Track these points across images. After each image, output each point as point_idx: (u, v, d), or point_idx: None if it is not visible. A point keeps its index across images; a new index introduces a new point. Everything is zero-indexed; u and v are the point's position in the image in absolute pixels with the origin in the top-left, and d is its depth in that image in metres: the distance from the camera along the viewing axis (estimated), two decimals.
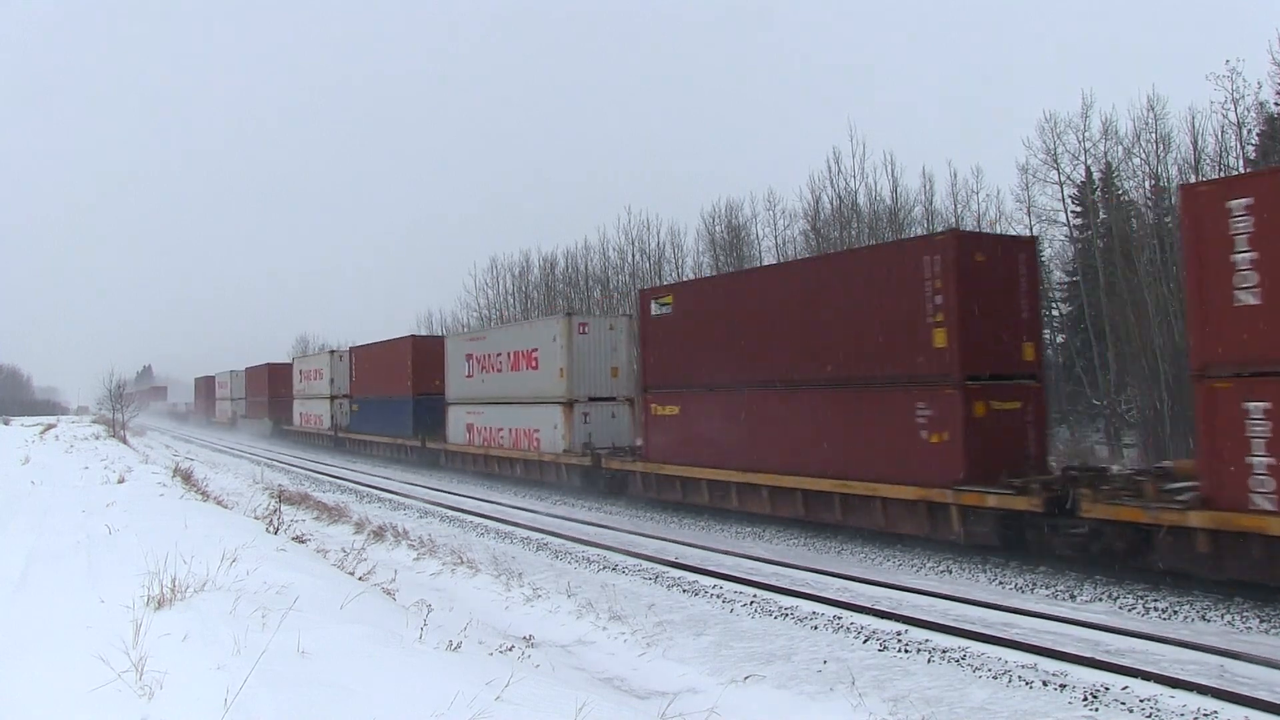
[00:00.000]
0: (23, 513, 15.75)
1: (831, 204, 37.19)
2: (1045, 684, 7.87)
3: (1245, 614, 9.94)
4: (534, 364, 24.85)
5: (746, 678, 8.21)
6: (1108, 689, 7.64)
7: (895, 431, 13.95)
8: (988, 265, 13.61)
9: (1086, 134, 30.63)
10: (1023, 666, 8.30)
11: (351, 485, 27.67)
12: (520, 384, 25.59)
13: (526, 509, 21.08)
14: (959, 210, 34.80)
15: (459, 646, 7.19)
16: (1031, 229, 31.49)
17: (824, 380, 15.34)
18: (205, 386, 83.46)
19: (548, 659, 8.28)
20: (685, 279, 42.15)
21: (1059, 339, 33.55)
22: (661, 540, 16.07)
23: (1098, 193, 31.57)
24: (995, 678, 8.11)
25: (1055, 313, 33.04)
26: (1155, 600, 10.67)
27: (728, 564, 13.74)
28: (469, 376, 28.80)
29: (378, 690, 5.60)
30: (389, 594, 10.30)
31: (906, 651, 9.02)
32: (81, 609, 7.43)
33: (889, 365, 14.13)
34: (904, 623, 9.96)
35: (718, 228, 42.53)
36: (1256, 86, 26.41)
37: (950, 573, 12.84)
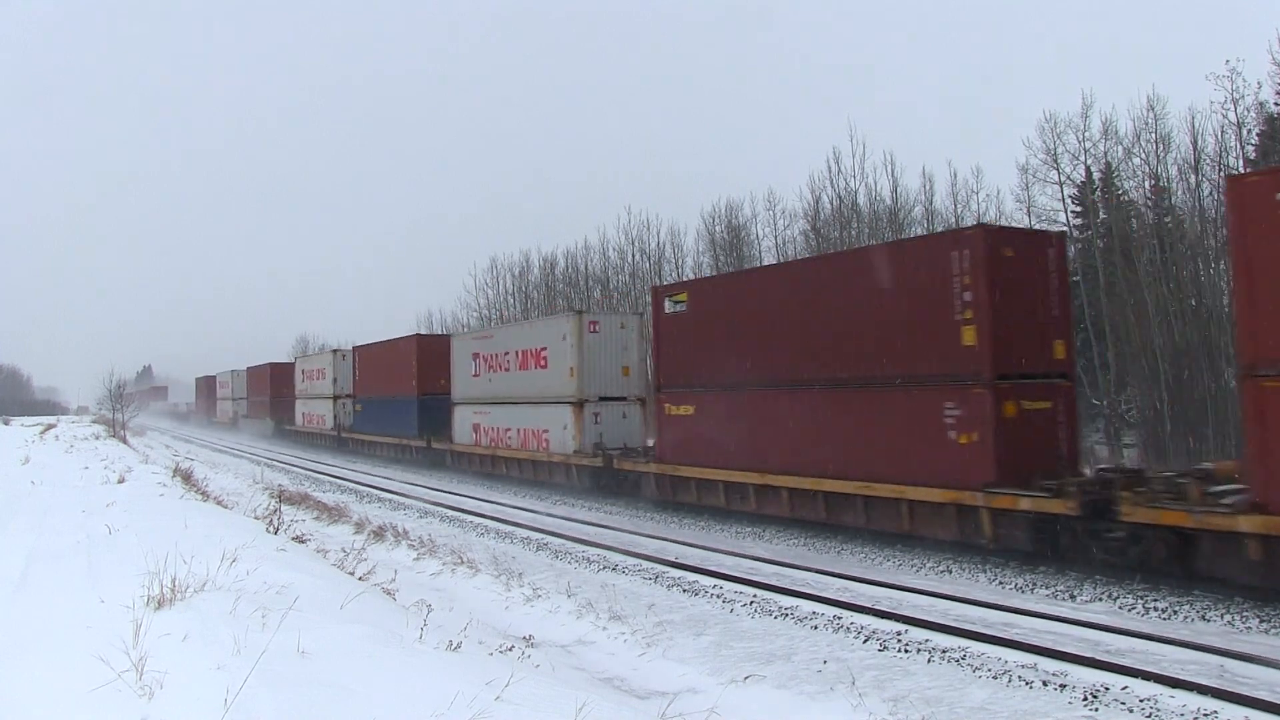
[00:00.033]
0: (23, 513, 15.75)
1: (831, 204, 37.26)
2: (1045, 684, 7.87)
3: (1245, 614, 9.94)
4: (543, 363, 24.47)
5: (746, 678, 8.21)
6: (1108, 689, 7.64)
7: (922, 432, 13.57)
8: (1017, 260, 13.23)
9: (1086, 134, 30.69)
10: (1023, 666, 8.31)
11: (352, 485, 27.68)
12: (529, 383, 25.23)
13: (527, 509, 21.08)
14: (959, 210, 34.88)
15: (459, 646, 7.19)
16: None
17: (846, 379, 14.96)
18: (206, 386, 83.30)
19: (548, 659, 8.29)
20: (687, 278, 42.18)
21: None
22: (661, 540, 16.07)
23: (1098, 193, 31.59)
24: (995, 678, 8.11)
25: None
26: (1155, 600, 10.66)
27: (728, 564, 13.74)
28: (476, 376, 28.46)
29: (378, 690, 5.60)
30: (389, 594, 10.31)
31: (906, 651, 9.02)
32: (81, 609, 7.43)
33: (915, 364, 13.75)
34: (904, 623, 9.96)
35: (718, 228, 42.60)
36: (1256, 86, 26.48)
37: (950, 573, 12.84)
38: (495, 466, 27.31)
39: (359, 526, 17.17)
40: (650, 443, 21.69)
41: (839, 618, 10.30)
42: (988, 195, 35.55)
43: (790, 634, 9.86)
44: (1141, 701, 7.34)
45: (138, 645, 5.88)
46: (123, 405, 53.32)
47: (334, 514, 18.87)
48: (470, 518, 19.67)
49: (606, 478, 21.72)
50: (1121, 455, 28.81)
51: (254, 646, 5.91)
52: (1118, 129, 30.18)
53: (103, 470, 24.28)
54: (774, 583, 12.15)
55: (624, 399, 23.35)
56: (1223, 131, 27.24)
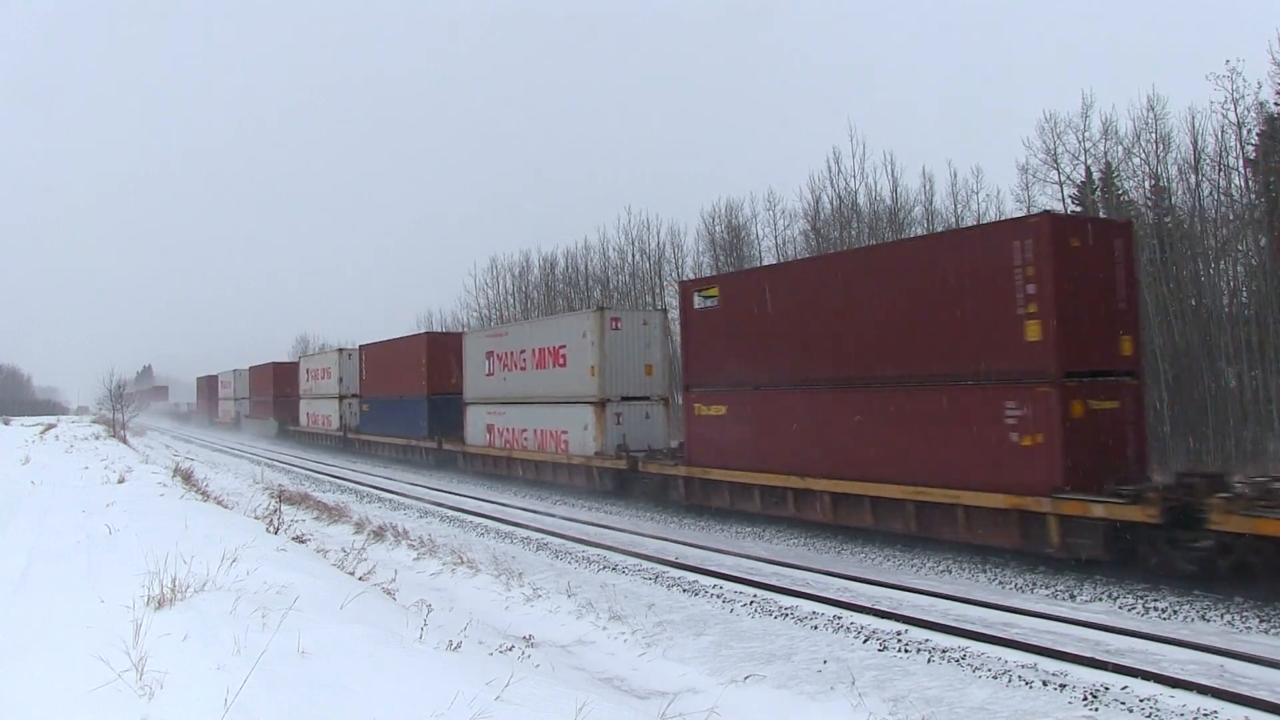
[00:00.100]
0: (23, 513, 15.76)
1: (831, 204, 37.19)
2: (1045, 684, 7.87)
3: (1245, 614, 9.94)
4: (562, 361, 23.74)
5: (746, 678, 8.22)
6: (1108, 689, 7.64)
7: (980, 433, 12.80)
8: (1083, 251, 12.46)
9: (1086, 134, 30.63)
10: (1023, 666, 8.31)
11: (352, 485, 27.67)
12: (546, 382, 24.47)
13: (527, 509, 21.08)
14: (959, 210, 34.84)
15: (459, 646, 7.19)
16: None
17: (895, 378, 14.15)
18: (208, 386, 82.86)
19: (548, 659, 8.29)
20: (687, 278, 42.21)
21: None
22: (661, 540, 16.07)
23: (1098, 193, 31.55)
24: (995, 677, 8.11)
25: None
26: (1155, 600, 10.66)
27: (728, 564, 13.74)
28: (490, 375, 27.72)
29: (378, 690, 5.60)
30: (389, 594, 10.31)
31: (906, 651, 9.02)
32: (81, 609, 7.43)
33: (971, 361, 13.01)
34: (904, 622, 9.96)
35: (718, 228, 42.53)
36: (1256, 86, 26.42)
37: (950, 573, 12.84)
38: (511, 469, 26.54)
39: (359, 526, 17.18)
40: (674, 444, 21.22)
41: (839, 618, 10.30)
42: (988, 195, 35.53)
43: (790, 634, 9.86)
44: (1141, 701, 7.34)
45: (138, 645, 5.88)
46: (123, 405, 53.29)
47: (334, 514, 18.88)
48: (470, 518, 19.67)
49: (631, 481, 21.03)
50: None
51: (254, 646, 5.92)
52: (1118, 129, 30.17)
53: (103, 470, 24.29)
54: (774, 582, 12.15)
55: (647, 399, 22.61)
56: (1223, 131, 27.22)
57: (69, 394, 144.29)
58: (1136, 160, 30.06)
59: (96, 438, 47.31)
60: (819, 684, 8.12)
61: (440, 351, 32.13)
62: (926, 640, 9.30)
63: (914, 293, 14.00)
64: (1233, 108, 26.64)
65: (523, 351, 25.89)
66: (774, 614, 10.64)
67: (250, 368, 63.50)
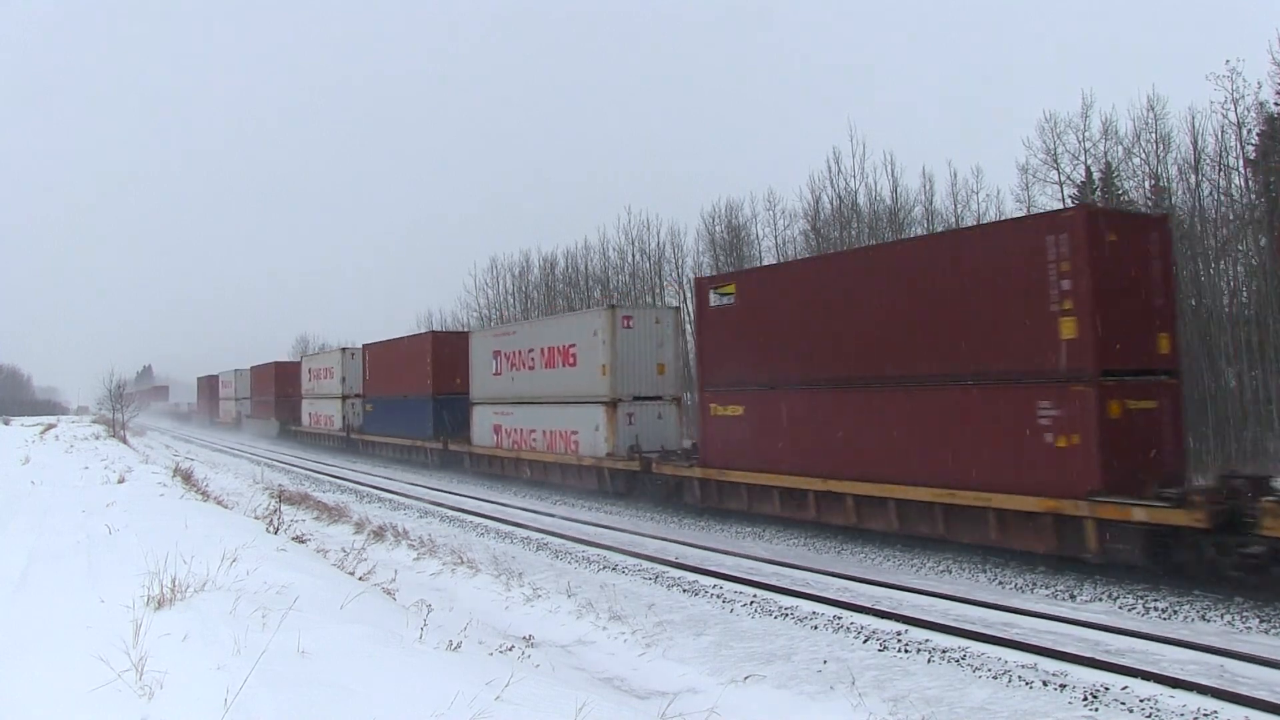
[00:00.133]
0: (23, 513, 15.76)
1: (831, 204, 37.17)
2: (1045, 684, 7.87)
3: (1245, 614, 9.94)
4: (572, 360, 23.32)
5: (746, 678, 8.22)
6: (1108, 689, 7.64)
7: (1012, 434, 12.39)
8: (1119, 246, 12.03)
9: (1086, 134, 30.61)
10: (1023, 666, 8.31)
11: (352, 485, 27.68)
12: (556, 382, 24.03)
13: (527, 509, 21.09)
14: (959, 210, 34.82)
15: (459, 646, 7.19)
16: None
17: (922, 376, 13.73)
18: (208, 386, 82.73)
19: (548, 659, 8.29)
20: (687, 278, 42.23)
21: None
22: (661, 540, 16.07)
23: (1098, 193, 31.54)
24: (995, 677, 8.11)
25: None
26: (1155, 600, 10.66)
27: (728, 564, 13.74)
28: (497, 374, 27.26)
29: (378, 690, 5.61)
30: (389, 594, 10.31)
31: (906, 651, 9.02)
32: (81, 609, 7.44)
33: (1004, 359, 12.61)
34: (904, 623, 9.96)
35: (718, 228, 42.50)
36: (1256, 86, 26.40)
37: (950, 573, 12.84)
38: (519, 470, 26.13)
39: (359, 526, 17.18)
40: (688, 444, 20.99)
41: (839, 618, 10.30)
42: (988, 195, 35.52)
43: (790, 634, 9.86)
44: (1141, 701, 7.34)
45: (138, 645, 5.88)
46: (123, 405, 53.27)
47: (334, 514, 18.89)
48: (471, 518, 19.68)
49: (644, 482, 20.64)
50: None
51: (254, 646, 5.92)
52: (1118, 129, 30.15)
53: (103, 470, 24.29)
54: (774, 582, 12.16)
55: (659, 398, 22.17)
56: (1223, 131, 27.21)
57: (69, 394, 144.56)
58: (1136, 160, 30.05)
59: (96, 438, 47.31)
60: (819, 684, 8.12)
61: (446, 351, 31.73)
62: (926, 640, 9.30)
63: (940, 290, 13.60)
64: (1233, 108, 26.64)
65: (531, 351, 25.47)
66: (774, 614, 10.64)
67: (252, 367, 63.33)
